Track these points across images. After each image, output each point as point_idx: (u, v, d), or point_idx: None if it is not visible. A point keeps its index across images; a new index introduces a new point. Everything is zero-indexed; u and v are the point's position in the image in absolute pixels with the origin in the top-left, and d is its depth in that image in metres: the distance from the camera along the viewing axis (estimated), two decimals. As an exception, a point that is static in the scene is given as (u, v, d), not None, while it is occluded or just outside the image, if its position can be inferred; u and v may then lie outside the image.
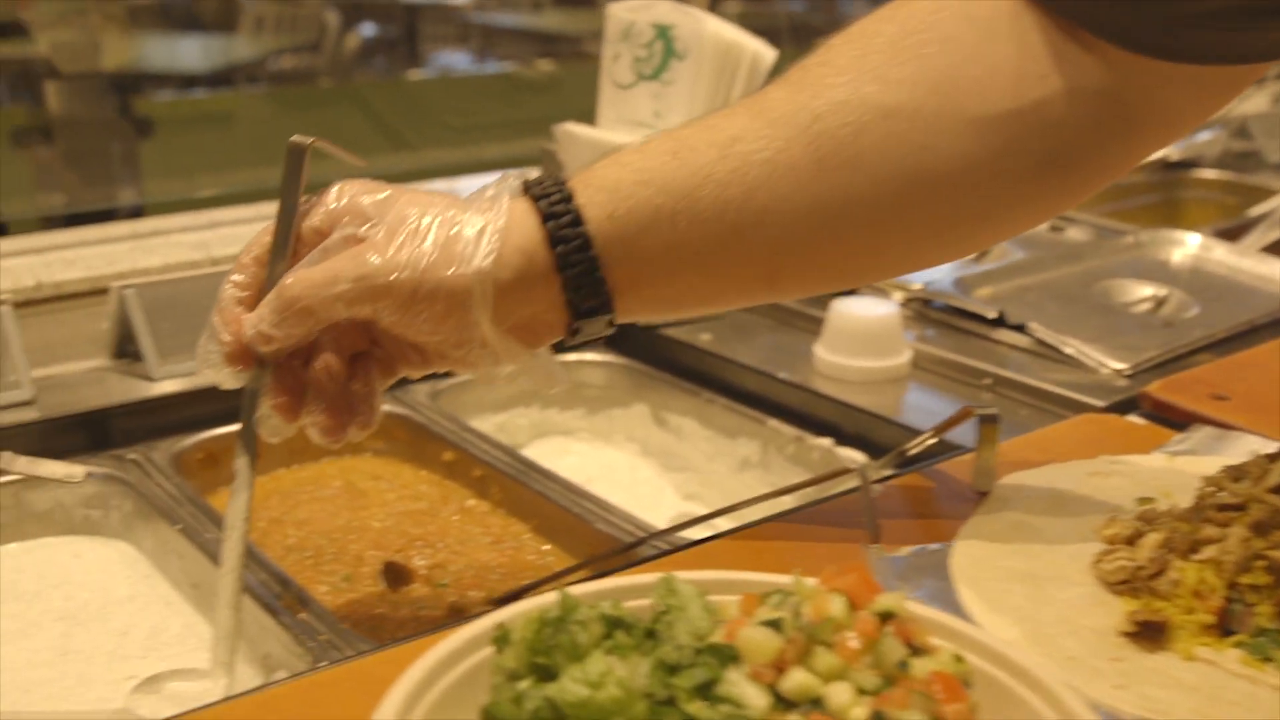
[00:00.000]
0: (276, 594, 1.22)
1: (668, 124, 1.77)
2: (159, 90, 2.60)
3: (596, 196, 1.05)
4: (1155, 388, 1.50)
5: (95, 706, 1.20)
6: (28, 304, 1.75)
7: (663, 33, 1.81)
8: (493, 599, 1.31)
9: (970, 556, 1.13)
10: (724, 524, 1.29)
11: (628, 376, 1.79)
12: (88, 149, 2.40)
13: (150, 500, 1.41)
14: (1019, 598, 1.07)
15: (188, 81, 2.61)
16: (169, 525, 1.37)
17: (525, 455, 1.54)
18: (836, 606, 0.90)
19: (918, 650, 0.90)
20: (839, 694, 0.85)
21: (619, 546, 1.30)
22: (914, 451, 1.32)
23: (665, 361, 1.77)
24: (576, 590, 0.93)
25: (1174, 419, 1.46)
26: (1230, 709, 0.93)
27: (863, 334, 1.62)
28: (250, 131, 2.51)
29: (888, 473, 1.32)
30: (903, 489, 1.28)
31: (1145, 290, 1.93)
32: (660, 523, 1.37)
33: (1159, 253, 2.10)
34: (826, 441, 1.55)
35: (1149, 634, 1.00)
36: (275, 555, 1.33)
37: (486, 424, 1.69)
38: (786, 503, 1.33)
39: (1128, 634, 1.01)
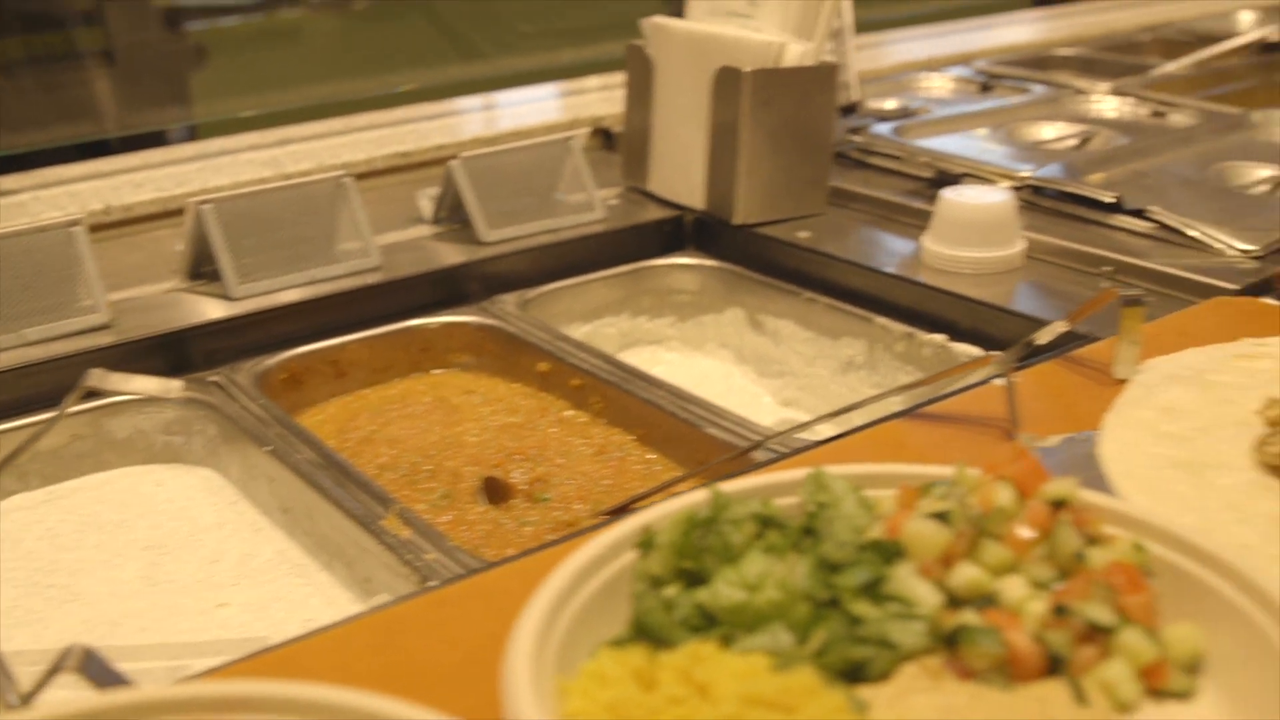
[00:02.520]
0: (376, 514, 1.16)
1: (765, 13, 1.69)
2: (219, 15, 2.52)
3: None
4: (1293, 267, 1.41)
5: (188, 638, 1.14)
6: (97, 228, 1.69)
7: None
8: (600, 511, 1.24)
9: (1121, 445, 1.05)
10: (849, 423, 1.21)
11: (720, 280, 1.70)
12: (147, 71, 2.33)
13: (236, 422, 1.35)
14: (1181, 485, 0.98)
15: (252, 6, 2.53)
16: (257, 447, 1.31)
17: (624, 361, 1.46)
18: (1005, 495, 0.82)
19: (1093, 540, 0.82)
20: (1013, 588, 0.78)
21: (735, 451, 1.23)
22: (1043, 341, 1.24)
23: (760, 262, 1.68)
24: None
25: (1315, 299, 1.37)
26: None
27: (974, 223, 1.53)
28: (317, 48, 2.43)
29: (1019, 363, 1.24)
30: (1037, 378, 1.20)
31: (1263, 172, 1.82)
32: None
33: (1272, 133, 1.99)
34: (940, 337, 1.46)
35: (1334, 519, 0.92)
36: (369, 475, 1.25)
37: (574, 334, 1.62)
38: (897, 402, 1.25)
39: (1311, 520, 0.92)
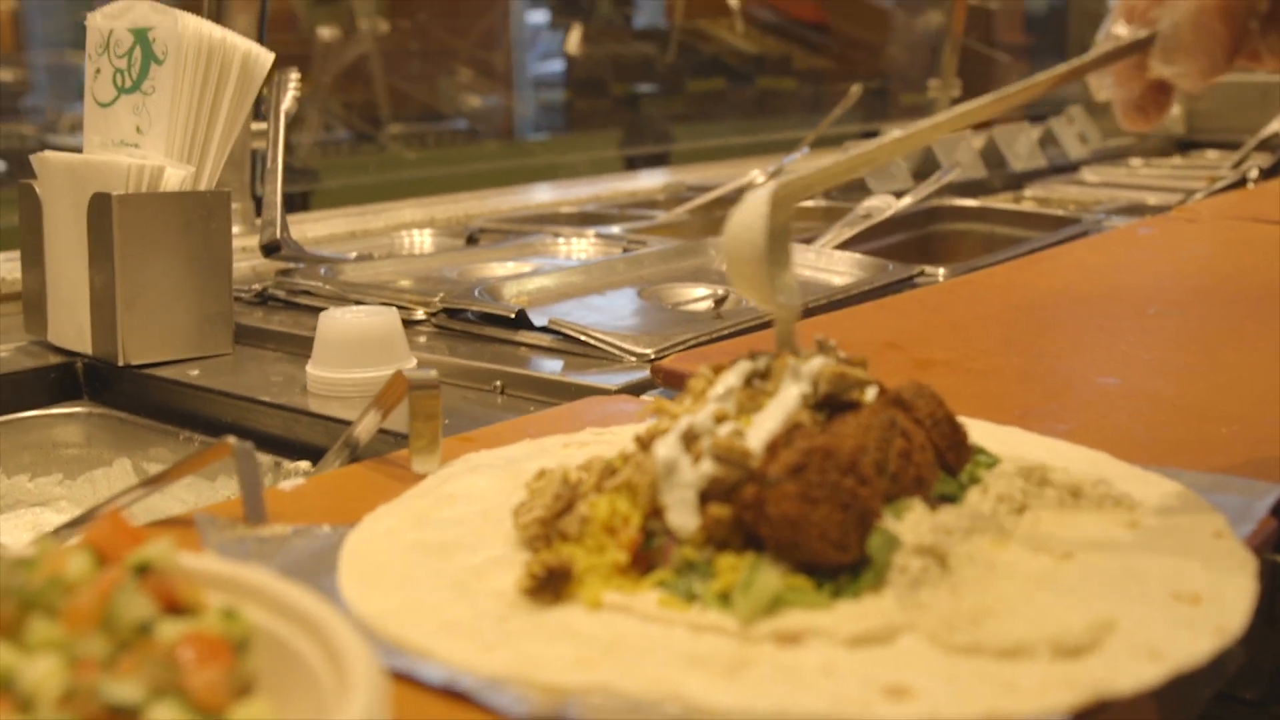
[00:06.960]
0: None
1: (151, 139, 1.56)
2: None
3: None
4: (668, 360, 1.32)
5: None
6: None
7: (140, 37, 1.58)
8: None
9: (372, 533, 0.91)
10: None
11: (108, 429, 1.53)
12: None
13: None
14: (412, 568, 0.85)
15: None
16: None
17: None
18: (76, 564, 0.67)
19: (181, 610, 0.67)
20: (38, 668, 0.62)
21: None
22: (365, 439, 1.12)
23: (149, 406, 1.52)
24: None
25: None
26: (627, 655, 0.73)
27: (352, 343, 1.40)
28: None
29: (335, 465, 1.11)
30: (344, 477, 1.07)
31: (701, 290, 1.77)
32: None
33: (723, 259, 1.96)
34: (304, 464, 1.32)
35: (552, 584, 0.79)
36: None
37: (-71, 497, 1.42)
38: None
39: (529, 589, 0.80)
